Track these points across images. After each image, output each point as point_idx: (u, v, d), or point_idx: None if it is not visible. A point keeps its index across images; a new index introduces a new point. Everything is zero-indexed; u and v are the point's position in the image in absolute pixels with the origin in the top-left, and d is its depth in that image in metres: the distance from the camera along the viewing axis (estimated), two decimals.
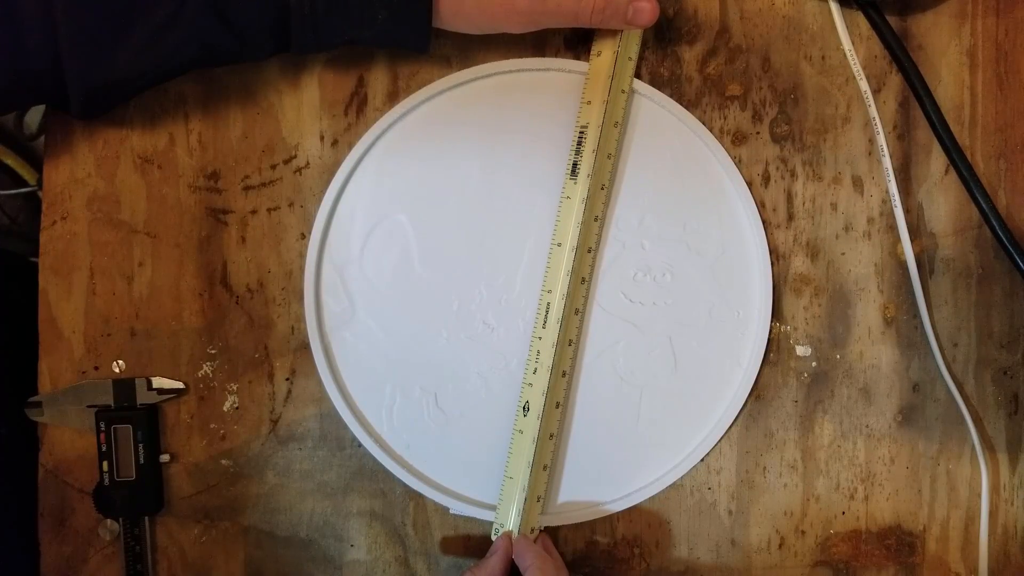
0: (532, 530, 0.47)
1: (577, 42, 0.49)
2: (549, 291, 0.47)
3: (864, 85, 0.48)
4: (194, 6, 0.40)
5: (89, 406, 0.48)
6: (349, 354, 0.49)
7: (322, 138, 0.49)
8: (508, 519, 0.47)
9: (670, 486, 0.49)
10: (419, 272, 0.48)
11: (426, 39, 0.43)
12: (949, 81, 0.49)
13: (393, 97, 0.49)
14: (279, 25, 0.42)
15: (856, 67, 0.48)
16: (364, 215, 0.48)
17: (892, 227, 0.49)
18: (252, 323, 0.49)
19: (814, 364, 0.49)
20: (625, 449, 0.49)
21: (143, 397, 0.48)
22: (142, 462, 0.48)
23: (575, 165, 0.47)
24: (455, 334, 0.48)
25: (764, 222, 0.48)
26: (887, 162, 0.48)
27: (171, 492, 0.49)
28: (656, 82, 0.49)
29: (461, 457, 0.49)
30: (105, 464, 0.47)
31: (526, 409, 0.47)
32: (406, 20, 0.42)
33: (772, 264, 0.48)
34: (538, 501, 0.47)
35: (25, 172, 0.98)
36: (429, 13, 0.42)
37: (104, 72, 0.42)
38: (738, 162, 0.48)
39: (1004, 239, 0.47)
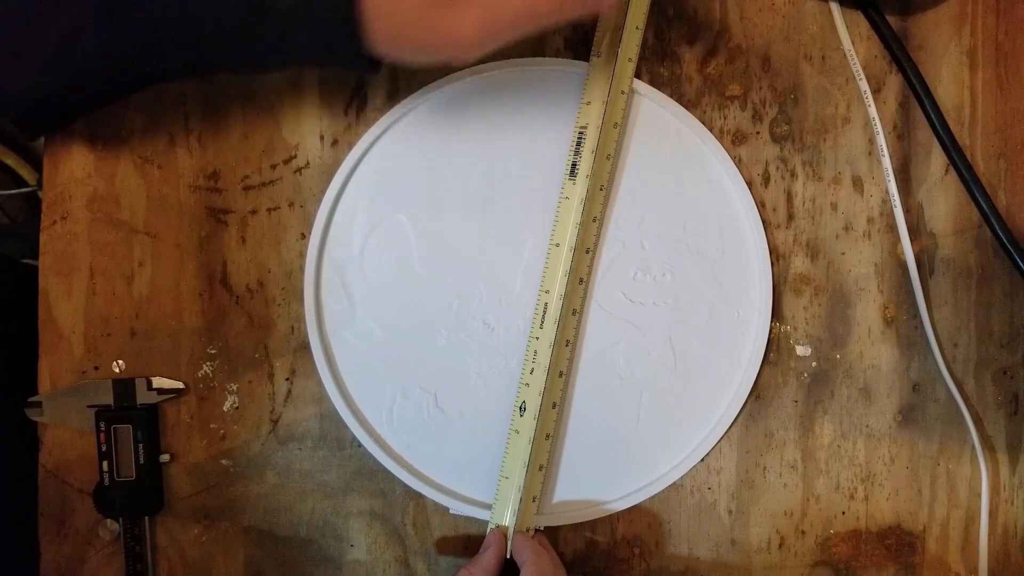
0: (528, 530, 0.47)
1: (577, 42, 0.49)
2: (547, 291, 0.47)
3: (864, 85, 0.48)
4: (93, 19, 0.39)
5: (89, 406, 0.48)
6: (349, 354, 0.49)
7: (322, 138, 0.49)
8: (503, 519, 0.47)
9: (670, 486, 0.49)
10: (419, 272, 0.48)
11: (363, 64, 0.39)
12: (949, 81, 0.49)
13: (393, 97, 0.49)
14: (192, 48, 0.40)
15: (856, 67, 0.48)
16: (364, 215, 0.48)
17: (892, 227, 0.49)
18: (252, 323, 0.49)
19: (814, 364, 0.49)
20: (625, 449, 0.49)
21: (143, 397, 0.48)
22: (142, 462, 0.48)
23: (574, 166, 0.47)
24: (455, 334, 0.48)
25: (764, 222, 0.48)
26: (887, 162, 0.48)
27: (171, 492, 0.49)
28: (656, 82, 0.49)
29: (461, 457, 0.49)
30: (105, 464, 0.48)
31: (523, 409, 0.47)
32: (334, 44, 0.38)
33: (772, 264, 0.49)
34: (533, 501, 0.47)
35: (25, 172, 0.98)
36: (357, 37, 0.37)
37: (18, 88, 0.41)
38: (738, 162, 0.48)
39: (1004, 239, 0.47)
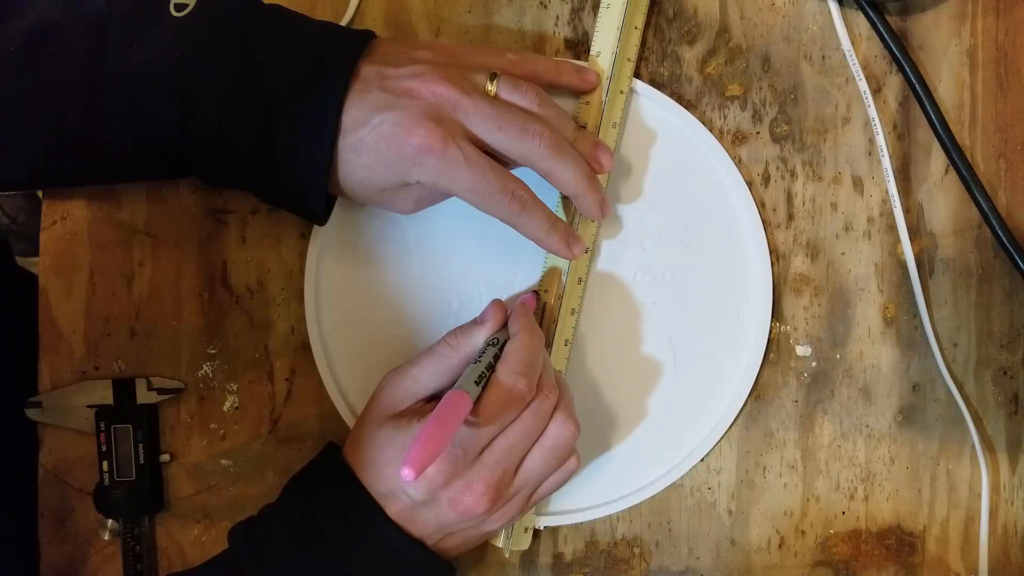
0: (535, 293, 0.47)
1: (577, 42, 0.49)
2: (546, 291, 0.47)
3: (864, 85, 0.48)
4: (89, 119, 0.40)
5: (89, 406, 0.48)
6: (349, 354, 0.49)
7: None
8: None
9: (670, 486, 0.49)
10: (419, 272, 0.48)
11: (320, 216, 0.43)
12: (949, 81, 0.49)
13: None
14: (179, 159, 0.42)
15: (856, 67, 0.48)
16: (364, 215, 0.48)
17: (892, 227, 0.49)
18: (252, 323, 0.49)
19: (814, 364, 0.49)
20: (625, 449, 0.49)
21: (143, 397, 0.48)
22: (142, 462, 0.48)
23: None
24: None
25: (764, 222, 0.48)
26: (887, 162, 0.48)
27: (171, 492, 0.49)
28: (656, 82, 0.49)
29: None
30: (105, 464, 0.47)
31: None
32: (301, 195, 0.42)
33: (772, 264, 0.48)
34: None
35: None
36: (323, 193, 0.42)
37: (6, 179, 0.43)
38: (738, 162, 0.48)
39: (1004, 239, 0.47)
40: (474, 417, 0.39)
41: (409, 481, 0.36)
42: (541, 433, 0.42)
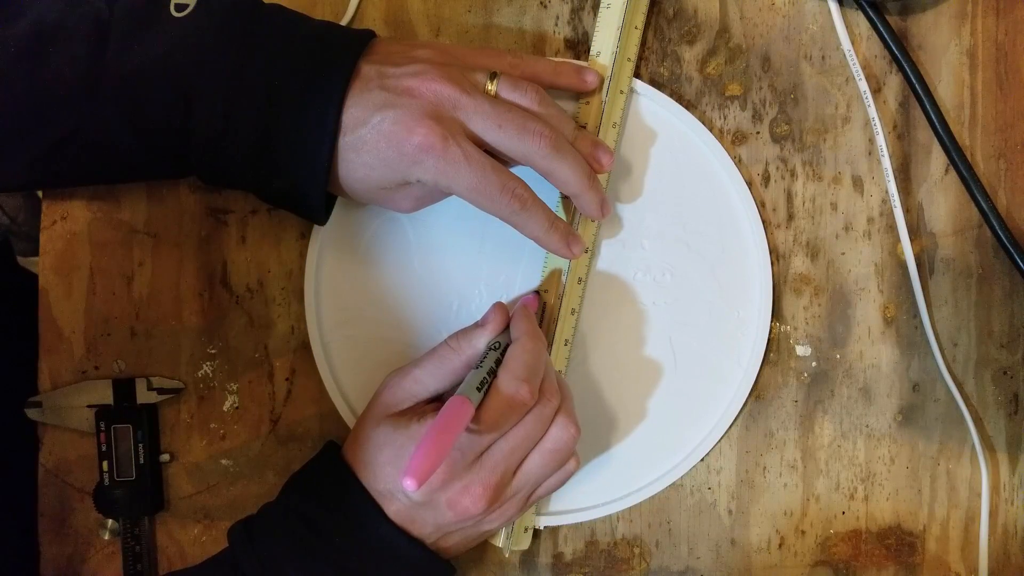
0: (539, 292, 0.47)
1: (577, 42, 0.49)
2: (546, 291, 0.47)
3: (864, 85, 0.48)
4: (85, 124, 0.40)
5: (89, 406, 0.48)
6: (349, 354, 0.49)
7: None
8: None
9: (670, 486, 0.49)
10: (419, 272, 0.48)
11: (320, 215, 0.43)
12: (949, 81, 0.49)
13: None
14: (178, 158, 0.42)
15: (856, 67, 0.48)
16: (364, 215, 0.48)
17: (892, 227, 0.49)
18: (252, 323, 0.49)
19: (814, 364, 0.49)
20: (625, 448, 0.49)
21: (143, 397, 0.48)
22: (142, 462, 0.48)
23: None
24: None
25: (764, 222, 0.48)
26: (887, 162, 0.48)
27: (171, 492, 0.49)
28: (656, 82, 0.49)
29: None
30: (105, 464, 0.47)
31: None
32: (301, 195, 0.42)
33: (772, 264, 0.48)
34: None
35: None
36: (323, 193, 0.42)
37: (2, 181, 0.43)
38: (738, 162, 0.48)
39: (1004, 239, 0.47)
40: (475, 424, 0.39)
41: (411, 489, 0.36)
42: (542, 436, 0.42)
